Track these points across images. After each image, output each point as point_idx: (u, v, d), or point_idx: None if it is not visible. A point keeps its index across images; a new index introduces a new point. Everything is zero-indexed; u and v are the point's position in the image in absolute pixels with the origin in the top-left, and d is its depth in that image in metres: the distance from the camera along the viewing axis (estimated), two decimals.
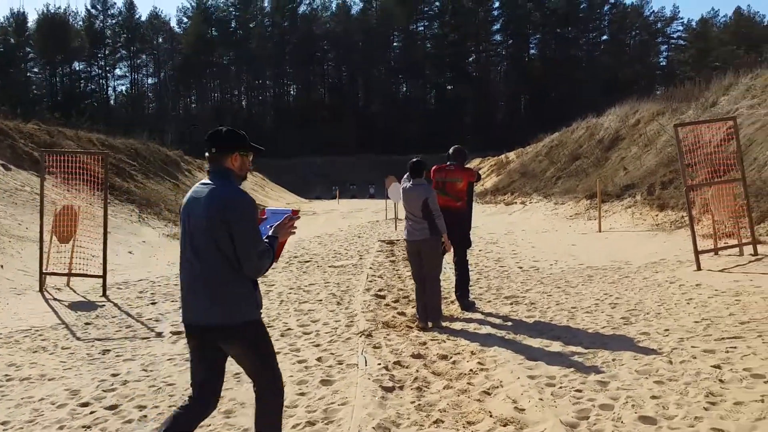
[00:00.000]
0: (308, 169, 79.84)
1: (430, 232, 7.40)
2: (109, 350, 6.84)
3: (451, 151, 8.56)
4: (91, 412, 5.01)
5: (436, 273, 7.66)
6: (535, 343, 6.51)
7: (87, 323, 8.20)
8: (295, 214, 3.90)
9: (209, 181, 3.58)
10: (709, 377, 5.15)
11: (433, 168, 8.46)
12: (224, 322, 3.52)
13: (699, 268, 10.10)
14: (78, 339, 7.38)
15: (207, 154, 3.63)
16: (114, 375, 5.91)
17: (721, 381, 5.05)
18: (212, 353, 3.70)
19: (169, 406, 5.04)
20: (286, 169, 70.85)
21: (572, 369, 5.56)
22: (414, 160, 7.68)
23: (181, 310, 3.76)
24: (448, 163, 8.46)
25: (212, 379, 3.77)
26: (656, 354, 5.88)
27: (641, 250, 12.84)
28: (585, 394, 4.93)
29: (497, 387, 5.20)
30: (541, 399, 4.85)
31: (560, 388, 5.12)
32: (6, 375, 5.96)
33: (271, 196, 45.41)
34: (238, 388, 5.39)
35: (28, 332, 7.67)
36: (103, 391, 5.46)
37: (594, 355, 5.96)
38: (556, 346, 6.34)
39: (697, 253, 10.28)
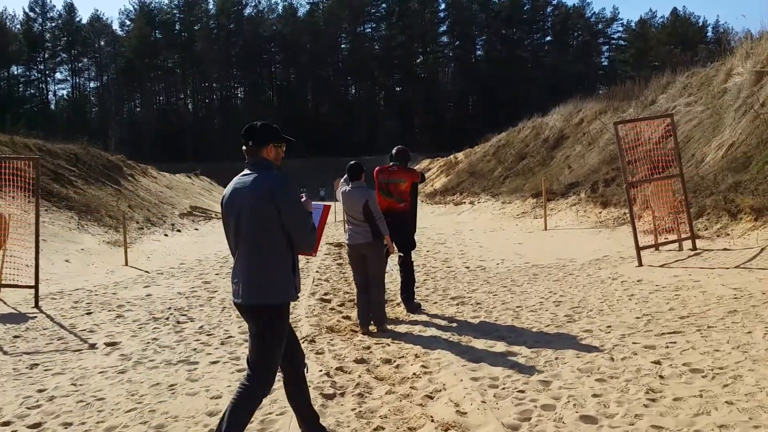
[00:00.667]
0: None
1: (373, 235, 7.27)
2: (37, 364, 6.52)
3: (394, 151, 8.43)
4: None
5: (380, 276, 7.53)
6: (480, 344, 6.43)
7: (16, 336, 7.82)
8: (327, 209, 4.46)
9: (249, 172, 3.89)
10: (649, 373, 5.14)
11: (376, 169, 8.32)
12: (260, 301, 3.81)
13: (640, 264, 10.19)
14: (4, 353, 7.02)
15: (244, 147, 3.94)
16: (40, 391, 5.61)
17: (660, 377, 5.03)
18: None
19: (97, 423, 4.80)
20: (234, 173, 68.57)
21: (515, 369, 5.50)
22: (351, 162, 7.55)
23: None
24: (391, 164, 8.34)
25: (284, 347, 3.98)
26: (598, 351, 5.86)
27: (585, 247, 12.93)
28: (527, 395, 4.86)
29: (440, 390, 5.10)
30: (484, 401, 4.76)
31: (503, 389, 5.05)
32: None
33: (218, 200, 44.69)
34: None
35: None
36: (27, 408, 5.17)
37: (537, 354, 5.91)
38: (500, 347, 6.27)
39: (639, 249, 10.38)
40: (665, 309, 7.27)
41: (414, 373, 5.59)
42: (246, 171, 3.94)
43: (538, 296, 8.62)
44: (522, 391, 4.95)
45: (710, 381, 4.87)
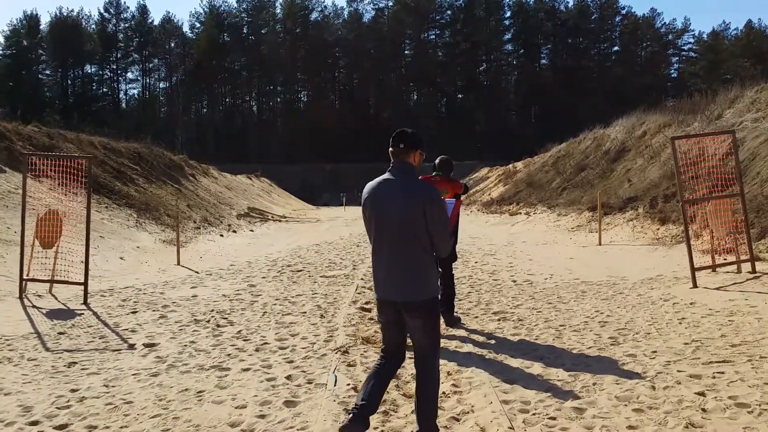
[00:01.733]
0: (318, 175, 79.70)
1: None
2: (75, 363, 6.61)
3: (437, 161, 8.29)
4: None
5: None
6: (516, 363, 6.24)
7: (60, 333, 7.96)
8: (458, 205, 4.82)
9: (394, 177, 4.21)
10: (691, 405, 4.88)
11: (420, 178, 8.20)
12: (413, 298, 4.11)
13: (695, 286, 9.79)
14: (47, 350, 7.15)
15: (392, 149, 4.26)
16: (73, 391, 5.66)
17: (703, 410, 4.78)
18: (401, 325, 4.29)
19: (121, 427, 4.81)
20: (294, 175, 70.87)
21: (549, 393, 5.30)
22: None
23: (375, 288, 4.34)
24: (434, 173, 8.20)
25: (401, 346, 4.45)
26: (639, 378, 5.61)
27: (639, 264, 12.53)
28: (558, 422, 4.68)
29: (468, 412, 4.95)
30: (511, 428, 4.59)
31: (533, 414, 4.86)
32: None
33: (277, 202, 45.30)
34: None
35: None
36: (57, 408, 5.21)
37: (575, 378, 5.70)
38: (537, 368, 6.07)
39: (694, 269, 9.98)
40: (716, 335, 6.94)
41: (443, 392, 5.43)
42: (389, 175, 4.24)
43: (584, 315, 8.36)
44: (553, 418, 4.76)
45: (756, 417, 4.60)
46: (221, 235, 21.80)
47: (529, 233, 21.15)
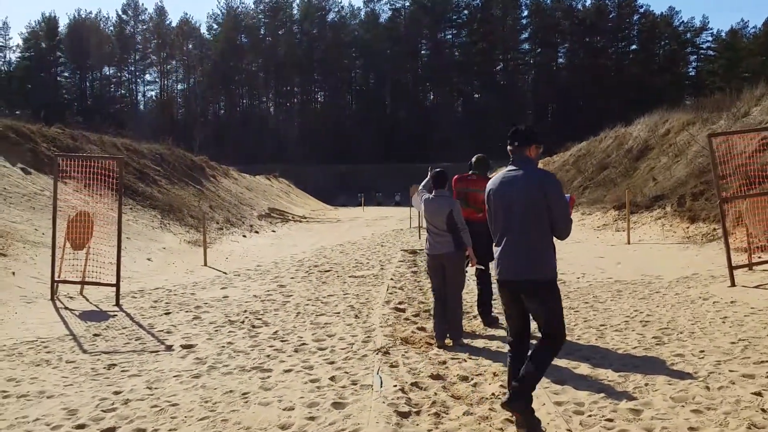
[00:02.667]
0: (334, 176, 79.78)
1: (455, 246, 7.05)
2: (114, 365, 6.57)
3: (473, 159, 8.19)
4: None
5: (459, 288, 7.30)
6: (562, 363, 6.11)
7: (96, 334, 7.94)
8: (573, 200, 5.28)
9: (516, 168, 4.55)
10: (750, 406, 4.76)
11: (455, 177, 8.10)
12: (535, 277, 4.43)
13: (733, 284, 9.62)
14: (84, 352, 7.12)
15: (510, 147, 4.60)
16: (116, 393, 5.61)
17: (763, 410, 4.66)
18: (521, 305, 4.58)
19: (170, 430, 4.75)
20: (312, 176, 70.95)
21: (602, 395, 5.18)
22: (437, 170, 7.36)
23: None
24: (470, 172, 8.10)
25: (526, 327, 4.71)
26: (692, 378, 5.48)
27: (672, 263, 12.35)
28: (617, 424, 4.56)
29: None
30: (569, 430, 4.48)
31: (589, 416, 4.75)
32: (3, 391, 5.68)
33: (296, 203, 45.32)
34: None
35: (33, 344, 7.41)
36: (103, 411, 5.16)
37: (625, 378, 5.58)
38: (584, 368, 5.96)
39: (731, 268, 9.80)
40: (763, 334, 6.80)
41: (493, 393, 5.34)
42: (511, 167, 4.58)
43: (623, 315, 8.22)
44: (610, 420, 4.65)
45: None
46: (244, 236, 21.81)
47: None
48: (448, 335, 7.15)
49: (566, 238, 4.59)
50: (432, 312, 7.62)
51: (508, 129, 4.74)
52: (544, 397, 5.15)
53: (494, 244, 4.66)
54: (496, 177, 4.68)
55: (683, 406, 4.86)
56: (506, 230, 4.53)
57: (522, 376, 4.46)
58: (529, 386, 4.46)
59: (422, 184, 7.65)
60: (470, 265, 7.31)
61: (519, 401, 4.42)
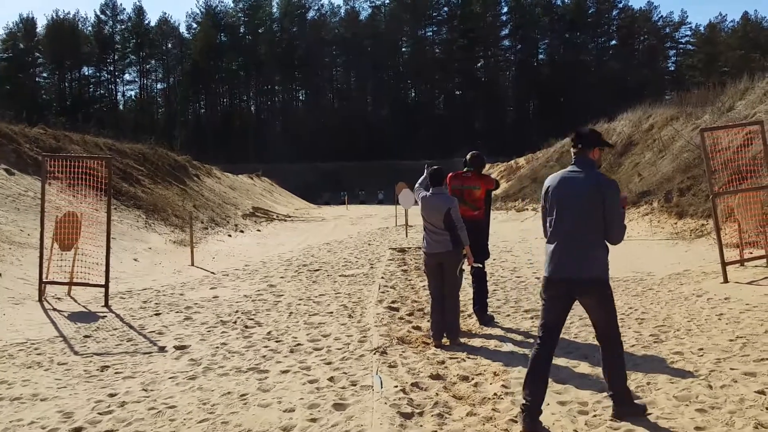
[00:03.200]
0: (317, 175, 79.59)
1: (453, 244, 7.00)
2: (107, 366, 6.46)
3: (468, 157, 8.12)
4: None
5: (456, 287, 7.25)
6: (562, 362, 6.08)
7: (86, 336, 7.81)
8: (626, 198, 5.42)
9: (577, 169, 4.65)
10: (754, 405, 4.74)
11: (450, 175, 8.03)
12: (592, 276, 4.57)
13: (726, 281, 9.64)
14: (76, 353, 6.99)
15: (573, 149, 4.73)
16: (111, 395, 5.51)
17: None
18: (566, 302, 4.73)
19: None
20: (294, 174, 70.70)
21: (605, 394, 5.12)
22: (434, 167, 7.29)
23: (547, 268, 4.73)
24: (465, 169, 8.05)
25: (560, 324, 4.81)
26: (693, 377, 5.47)
27: (662, 260, 12.38)
28: (622, 424, 4.52)
29: None
30: (576, 431, 4.44)
31: (594, 416, 4.72)
32: None
33: (279, 201, 45.11)
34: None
35: (23, 346, 7.27)
36: (99, 413, 5.05)
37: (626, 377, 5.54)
38: (584, 367, 5.93)
39: (724, 264, 9.83)
40: (760, 331, 6.80)
41: (495, 393, 5.29)
42: (573, 168, 4.68)
43: (618, 312, 8.13)
44: (616, 419, 4.61)
45: None
46: (229, 235, 21.64)
47: (541, 229, 20.96)
48: (445, 334, 7.10)
49: (619, 243, 4.70)
50: (429, 311, 7.55)
51: (572, 132, 4.88)
52: (547, 397, 5.10)
53: (547, 241, 4.76)
54: (555, 176, 4.79)
55: (687, 405, 4.83)
56: (564, 229, 4.62)
57: (615, 392, 4.68)
58: (625, 393, 4.71)
59: (419, 181, 7.60)
60: (468, 263, 7.25)
61: (626, 407, 4.66)
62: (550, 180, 4.79)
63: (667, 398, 4.99)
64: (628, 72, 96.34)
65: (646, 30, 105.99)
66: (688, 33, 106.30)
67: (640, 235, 15.99)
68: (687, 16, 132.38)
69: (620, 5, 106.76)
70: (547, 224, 4.78)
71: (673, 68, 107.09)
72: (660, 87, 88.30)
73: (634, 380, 5.45)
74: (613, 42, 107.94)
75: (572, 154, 4.75)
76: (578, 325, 7.57)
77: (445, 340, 7.04)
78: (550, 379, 5.45)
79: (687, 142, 20.25)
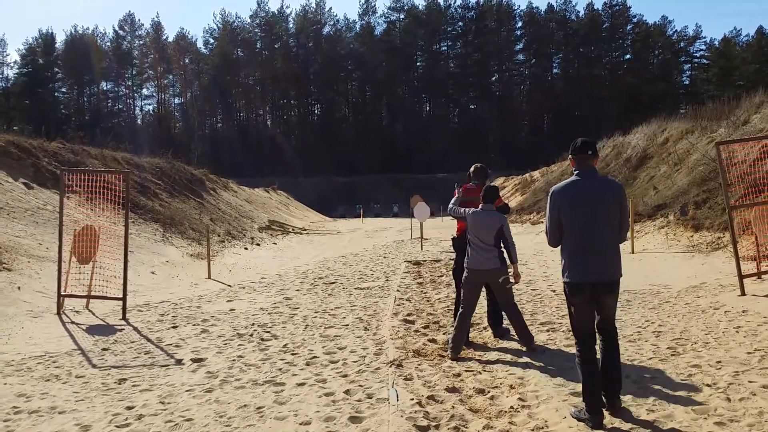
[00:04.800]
0: (332, 188, 79.77)
1: (500, 262, 7.04)
2: (125, 379, 6.50)
3: (472, 169, 8.15)
4: None
5: (510, 301, 7.25)
6: (578, 376, 6.04)
7: (104, 349, 7.87)
8: None
9: (589, 177, 4.92)
10: None
11: (464, 186, 8.05)
12: (615, 277, 4.91)
13: (743, 293, 9.57)
14: (93, 366, 7.05)
15: (581, 156, 4.95)
16: (129, 408, 5.55)
17: None
18: (593, 303, 4.93)
19: None
20: (309, 188, 70.93)
21: (622, 407, 5.11)
22: (490, 184, 7.43)
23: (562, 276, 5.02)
24: (471, 183, 8.07)
25: (594, 322, 5.03)
26: (711, 390, 5.43)
27: (679, 272, 12.30)
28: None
29: (543, 428, 4.77)
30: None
31: (611, 428, 4.69)
32: (14, 407, 5.62)
33: (295, 215, 45.25)
34: None
35: (41, 359, 7.35)
36: (116, 426, 5.10)
37: (644, 390, 5.51)
38: None
39: (741, 277, 9.76)
40: None
41: (511, 407, 5.28)
42: (582, 176, 4.93)
43: (635, 325, 8.17)
44: None
45: None
46: (246, 248, 21.73)
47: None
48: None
49: (623, 242, 5.10)
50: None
51: (575, 141, 5.08)
52: (565, 410, 5.10)
53: (566, 247, 4.95)
54: (563, 185, 4.99)
55: (706, 418, 4.80)
56: (590, 235, 4.85)
57: (613, 381, 4.96)
58: (620, 380, 5.06)
59: (452, 201, 7.60)
60: (514, 280, 7.22)
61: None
62: (560, 191, 4.96)
63: (685, 411, 4.96)
64: (642, 86, 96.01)
65: (660, 44, 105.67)
66: (703, 47, 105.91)
67: (656, 248, 15.90)
68: (702, 30, 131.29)
69: (635, 20, 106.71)
70: (561, 231, 4.96)
71: (687, 82, 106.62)
72: (674, 101, 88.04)
73: (652, 393, 5.42)
74: (628, 56, 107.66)
75: (580, 163, 4.95)
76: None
77: (465, 352, 7.07)
78: (567, 393, 5.48)
79: (702, 156, 20.15)
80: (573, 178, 4.97)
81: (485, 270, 7.04)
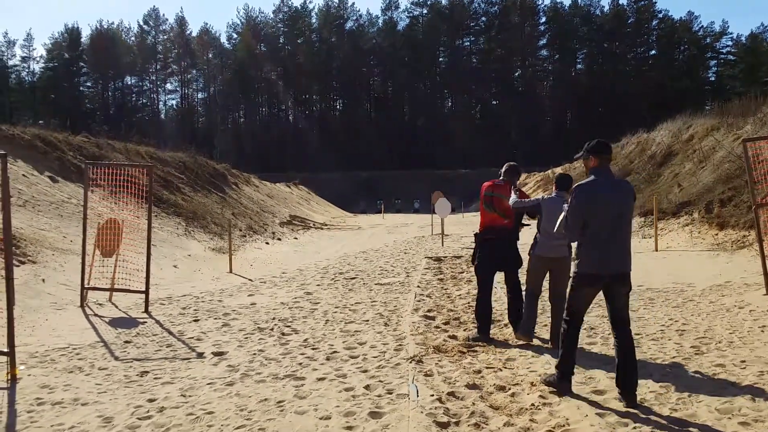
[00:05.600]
0: (353, 184, 79.83)
1: (569, 250, 7.09)
2: (147, 372, 6.55)
3: (504, 168, 8.04)
4: None
5: (566, 291, 7.27)
6: (600, 374, 6.00)
7: (127, 341, 7.94)
8: None
9: (607, 176, 5.30)
10: None
11: (488, 183, 7.96)
12: (629, 269, 5.32)
13: None
14: (116, 359, 7.11)
15: (605, 156, 5.36)
16: (151, 400, 5.59)
17: None
18: (596, 293, 5.43)
19: None
20: (331, 183, 71.00)
21: (644, 406, 5.07)
22: (560, 173, 7.44)
23: (593, 264, 5.26)
24: (500, 178, 7.98)
25: (587, 308, 5.63)
26: (736, 389, 5.36)
27: (703, 271, 12.16)
28: None
29: (564, 426, 4.73)
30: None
31: (634, 428, 4.65)
32: (38, 398, 5.68)
33: (316, 210, 45.37)
34: None
35: (65, 350, 7.43)
36: (138, 419, 5.14)
37: (667, 389, 5.46)
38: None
39: (767, 275, 9.62)
40: None
41: (532, 404, 5.24)
42: (602, 176, 5.29)
43: (658, 323, 8.09)
44: None
45: None
46: (267, 243, 21.82)
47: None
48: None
49: None
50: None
51: (587, 141, 5.46)
52: (586, 408, 5.06)
53: (586, 242, 5.25)
54: (587, 183, 5.29)
55: (730, 418, 4.74)
56: (605, 229, 5.20)
57: (630, 377, 5.19)
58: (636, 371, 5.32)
59: (512, 199, 7.44)
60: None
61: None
62: (587, 186, 5.27)
63: (708, 411, 4.90)
64: (667, 82, 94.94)
65: (686, 40, 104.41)
66: (729, 43, 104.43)
67: (680, 245, 15.74)
68: (728, 26, 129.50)
69: (660, 15, 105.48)
70: (582, 226, 5.25)
71: (713, 78, 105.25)
72: (700, 97, 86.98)
73: (675, 392, 5.36)
74: (653, 52, 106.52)
75: (603, 162, 5.33)
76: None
77: (487, 348, 7.07)
78: (588, 390, 5.44)
79: (728, 153, 19.90)
80: (594, 177, 5.30)
81: (556, 257, 7.17)
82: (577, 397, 5.35)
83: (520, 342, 7.43)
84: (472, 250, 8.42)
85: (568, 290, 5.64)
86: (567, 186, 7.20)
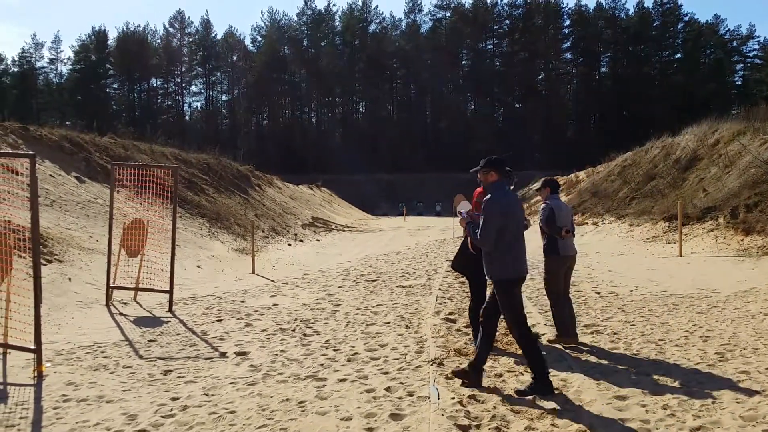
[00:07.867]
0: (375, 186, 79.86)
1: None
2: (170, 370, 6.63)
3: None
4: None
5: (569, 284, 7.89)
6: (623, 379, 5.97)
7: (151, 340, 8.04)
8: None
9: (507, 189, 5.88)
10: None
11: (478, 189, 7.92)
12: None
13: None
14: (140, 357, 7.20)
15: (501, 172, 5.86)
16: (174, 399, 5.66)
17: None
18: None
19: None
20: (353, 185, 71.10)
21: (668, 412, 5.04)
22: (551, 178, 7.97)
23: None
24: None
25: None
26: (760, 396, 5.31)
27: (728, 277, 12.04)
28: None
29: (585, 431, 4.72)
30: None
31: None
32: (63, 395, 5.78)
33: (338, 212, 45.48)
34: None
35: (90, 348, 7.54)
36: (162, 417, 5.20)
37: (690, 396, 5.41)
38: (646, 384, 5.81)
39: None
40: None
41: (554, 408, 5.23)
42: (504, 189, 5.87)
43: (682, 329, 8.02)
44: None
45: None
46: (289, 244, 21.93)
47: (602, 244, 20.65)
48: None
49: None
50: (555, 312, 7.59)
51: (486, 156, 5.94)
52: (609, 413, 5.03)
53: (509, 249, 5.67)
54: (497, 196, 5.70)
55: (754, 425, 4.70)
56: (519, 238, 5.81)
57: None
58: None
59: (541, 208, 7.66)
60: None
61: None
62: (502, 201, 5.69)
63: (732, 418, 4.86)
64: (693, 86, 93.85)
65: (712, 43, 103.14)
66: (756, 47, 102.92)
67: (705, 251, 15.58)
68: (755, 29, 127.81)
69: (686, 18, 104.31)
70: (503, 234, 5.63)
71: (740, 82, 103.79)
72: (726, 101, 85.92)
73: (699, 399, 5.32)
74: (678, 55, 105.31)
75: (499, 177, 5.83)
76: (640, 342, 7.44)
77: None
78: (609, 396, 5.41)
79: (755, 158, 19.67)
80: (500, 191, 5.79)
81: (574, 255, 7.70)
82: (600, 402, 5.32)
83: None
84: None
85: (499, 302, 5.77)
86: (558, 188, 7.80)
